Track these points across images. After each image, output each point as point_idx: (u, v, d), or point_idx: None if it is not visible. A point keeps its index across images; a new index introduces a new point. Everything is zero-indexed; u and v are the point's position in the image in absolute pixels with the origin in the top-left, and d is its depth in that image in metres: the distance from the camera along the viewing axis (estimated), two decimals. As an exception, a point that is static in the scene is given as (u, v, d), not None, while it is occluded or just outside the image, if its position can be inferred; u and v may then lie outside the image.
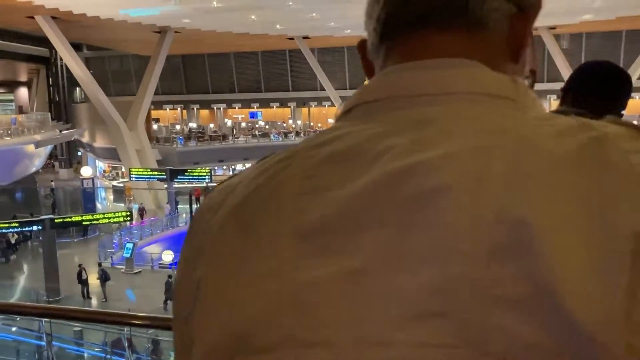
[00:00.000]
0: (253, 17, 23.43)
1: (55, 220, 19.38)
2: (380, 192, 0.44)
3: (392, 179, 0.44)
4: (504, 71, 0.51)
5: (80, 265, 17.67)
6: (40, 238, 19.80)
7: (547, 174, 0.41)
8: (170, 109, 41.97)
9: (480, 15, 0.52)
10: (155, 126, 37.27)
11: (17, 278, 20.13)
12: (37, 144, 24.96)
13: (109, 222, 21.74)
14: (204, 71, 39.01)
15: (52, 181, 32.63)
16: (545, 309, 0.38)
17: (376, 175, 0.45)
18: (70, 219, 20.84)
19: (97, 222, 21.52)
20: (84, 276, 17.45)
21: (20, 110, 39.47)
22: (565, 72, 23.11)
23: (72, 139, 32.56)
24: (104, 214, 22.48)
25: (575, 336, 0.37)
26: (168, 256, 20.06)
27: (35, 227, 19.45)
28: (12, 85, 42.56)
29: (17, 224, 19.68)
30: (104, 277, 17.32)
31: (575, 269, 0.38)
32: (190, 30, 25.46)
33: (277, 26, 26.41)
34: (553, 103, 28.22)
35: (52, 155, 35.66)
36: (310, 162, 0.49)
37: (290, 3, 21.20)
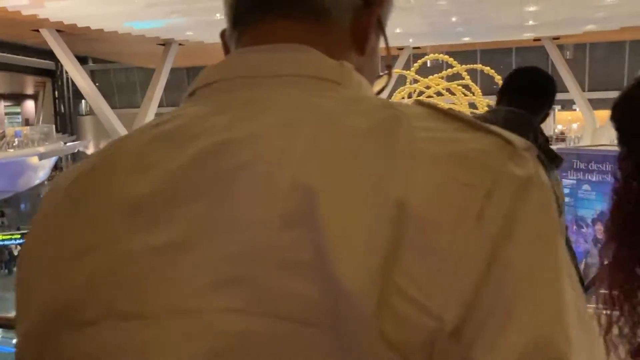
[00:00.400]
0: (256, 29, 23.52)
1: (58, 232, 19.43)
2: (196, 167, 0.45)
3: (206, 155, 0.46)
4: (347, 60, 0.53)
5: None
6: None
7: (341, 147, 0.43)
8: (175, 121, 42.17)
9: (322, 5, 0.54)
10: (160, 138, 37.39)
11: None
12: (41, 156, 25.04)
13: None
14: (208, 83, 39.17)
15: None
16: (322, 273, 0.39)
17: (193, 152, 0.46)
18: (72, 231, 20.90)
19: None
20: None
21: (27, 122, 39.64)
22: (570, 82, 22.92)
23: (76, 150, 32.66)
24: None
25: (343, 299, 0.39)
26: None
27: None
28: (19, 98, 42.82)
29: (19, 236, 19.75)
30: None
31: (346, 236, 0.40)
32: (194, 42, 25.57)
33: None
34: (557, 114, 28.08)
35: (57, 167, 35.80)
36: (143, 141, 0.51)
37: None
